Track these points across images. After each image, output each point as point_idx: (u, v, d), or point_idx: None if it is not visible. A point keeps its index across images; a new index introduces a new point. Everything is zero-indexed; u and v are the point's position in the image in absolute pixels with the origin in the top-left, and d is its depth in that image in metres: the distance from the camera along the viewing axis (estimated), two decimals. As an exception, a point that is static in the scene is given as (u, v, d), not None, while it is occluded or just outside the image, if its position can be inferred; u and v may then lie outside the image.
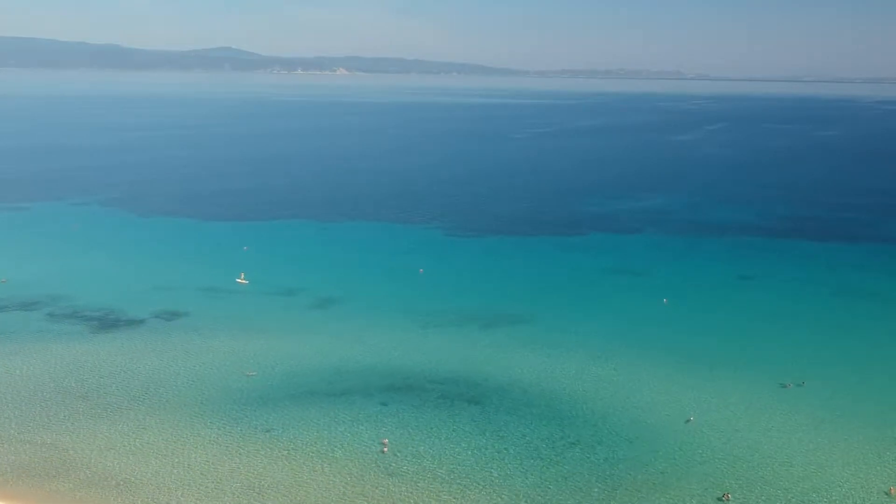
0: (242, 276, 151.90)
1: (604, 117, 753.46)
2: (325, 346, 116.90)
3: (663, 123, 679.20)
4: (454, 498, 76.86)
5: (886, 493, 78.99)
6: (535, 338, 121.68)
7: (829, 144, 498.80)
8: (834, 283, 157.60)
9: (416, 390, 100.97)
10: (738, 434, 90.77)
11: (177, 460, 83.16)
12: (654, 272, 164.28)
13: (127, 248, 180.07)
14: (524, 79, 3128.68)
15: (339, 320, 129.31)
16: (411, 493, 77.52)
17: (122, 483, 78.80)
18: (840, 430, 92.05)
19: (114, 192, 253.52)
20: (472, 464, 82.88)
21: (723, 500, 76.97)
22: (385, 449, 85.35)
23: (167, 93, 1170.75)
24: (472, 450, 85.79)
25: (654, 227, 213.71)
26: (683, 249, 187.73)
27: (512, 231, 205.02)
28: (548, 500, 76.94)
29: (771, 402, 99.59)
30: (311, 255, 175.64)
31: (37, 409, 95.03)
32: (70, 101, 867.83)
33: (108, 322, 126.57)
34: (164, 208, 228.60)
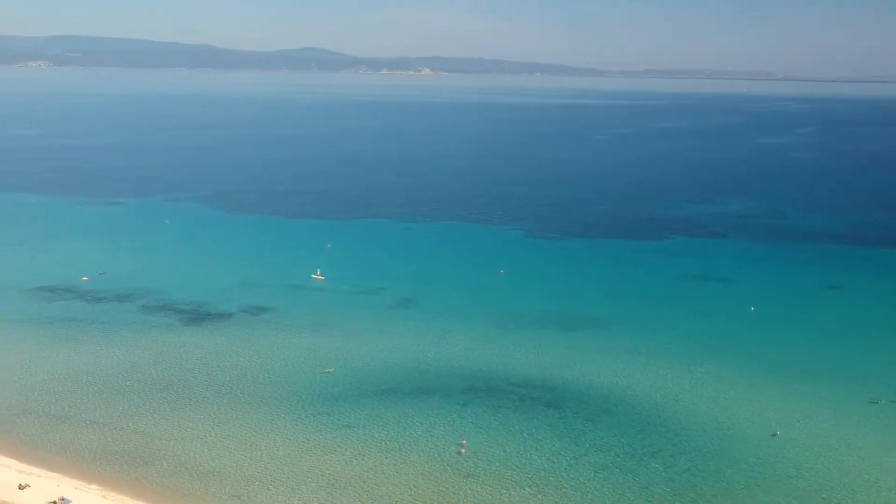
0: (318, 273, 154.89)
1: (687, 119, 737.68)
2: (405, 345, 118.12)
3: (749, 125, 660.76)
4: None
5: None
6: (616, 343, 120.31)
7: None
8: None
9: (496, 392, 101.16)
10: (826, 451, 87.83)
11: (259, 453, 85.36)
12: (739, 279, 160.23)
13: (215, 243, 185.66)
14: (607, 79, 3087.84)
15: (419, 320, 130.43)
16: (487, 495, 77.68)
17: (207, 473, 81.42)
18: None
19: (203, 190, 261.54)
20: (550, 469, 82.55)
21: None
22: (463, 450, 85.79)
23: (255, 92, 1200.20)
24: (550, 455, 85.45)
25: (739, 232, 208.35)
26: (769, 256, 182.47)
27: (592, 234, 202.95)
28: (626, 508, 76.20)
29: (861, 419, 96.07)
30: (392, 255, 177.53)
31: (128, 397, 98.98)
32: (163, 101, 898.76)
33: (197, 315, 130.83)
34: (250, 206, 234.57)
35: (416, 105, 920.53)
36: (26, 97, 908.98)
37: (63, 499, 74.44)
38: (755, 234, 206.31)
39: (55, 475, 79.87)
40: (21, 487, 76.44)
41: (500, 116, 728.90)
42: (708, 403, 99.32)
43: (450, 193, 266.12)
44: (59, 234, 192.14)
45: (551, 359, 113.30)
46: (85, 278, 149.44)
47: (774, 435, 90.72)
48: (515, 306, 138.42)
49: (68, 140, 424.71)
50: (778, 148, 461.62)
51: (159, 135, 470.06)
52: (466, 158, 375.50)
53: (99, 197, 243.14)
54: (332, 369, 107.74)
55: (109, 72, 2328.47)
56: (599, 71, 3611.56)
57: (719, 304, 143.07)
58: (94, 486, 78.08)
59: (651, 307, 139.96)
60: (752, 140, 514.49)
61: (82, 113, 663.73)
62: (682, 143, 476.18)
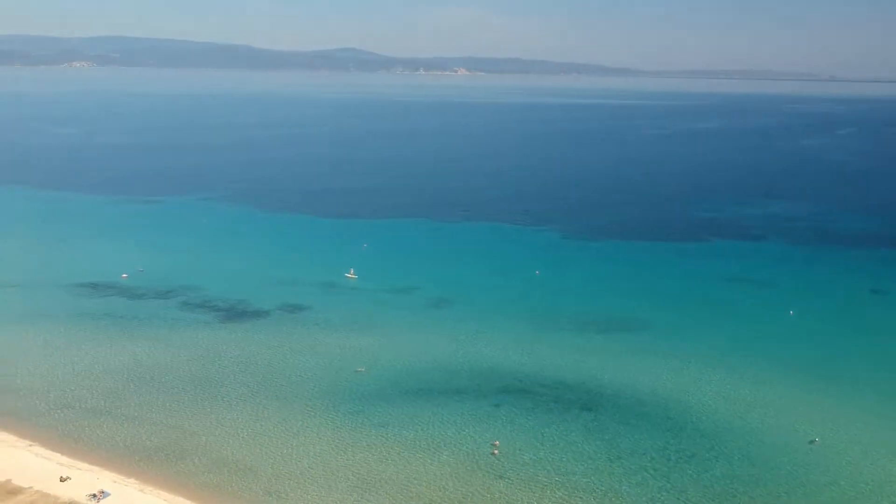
0: (352, 272, 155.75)
1: (725, 119, 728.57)
2: (438, 345, 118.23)
3: (789, 127, 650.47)
4: (565, 505, 76.55)
5: None
6: (652, 346, 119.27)
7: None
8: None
9: (529, 393, 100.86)
10: (865, 459, 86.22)
11: (293, 450, 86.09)
12: (778, 282, 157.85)
13: (252, 241, 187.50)
14: (644, 79, 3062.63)
15: (453, 320, 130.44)
16: (520, 497, 77.52)
17: (242, 469, 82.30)
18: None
19: (239, 188, 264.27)
20: (584, 472, 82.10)
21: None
22: (496, 451, 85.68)
23: (292, 92, 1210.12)
24: (584, 457, 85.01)
25: (779, 234, 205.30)
26: (810, 259, 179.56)
27: (629, 235, 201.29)
28: (661, 513, 75.58)
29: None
30: (426, 254, 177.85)
31: (166, 392, 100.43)
32: (203, 100, 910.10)
33: (234, 313, 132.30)
34: (286, 205, 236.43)
35: (451, 105, 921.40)
36: (69, 96, 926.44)
37: (102, 491, 75.73)
38: (795, 236, 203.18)
39: (95, 468, 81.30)
40: (62, 480, 77.94)
41: (536, 117, 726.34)
42: (745, 408, 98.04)
43: (485, 194, 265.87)
44: (99, 231, 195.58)
45: (586, 361, 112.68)
46: (124, 275, 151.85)
47: (812, 442, 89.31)
48: (550, 307, 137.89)
49: (109, 139, 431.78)
50: (819, 149, 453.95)
51: (198, 134, 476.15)
52: (501, 159, 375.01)
53: (138, 195, 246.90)
54: (364, 368, 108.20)
55: (150, 72, 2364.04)
56: (636, 71, 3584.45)
57: (758, 307, 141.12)
58: (132, 480, 79.32)
59: (688, 310, 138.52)
60: (793, 141, 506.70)
61: (122, 112, 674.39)
62: (719, 144, 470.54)
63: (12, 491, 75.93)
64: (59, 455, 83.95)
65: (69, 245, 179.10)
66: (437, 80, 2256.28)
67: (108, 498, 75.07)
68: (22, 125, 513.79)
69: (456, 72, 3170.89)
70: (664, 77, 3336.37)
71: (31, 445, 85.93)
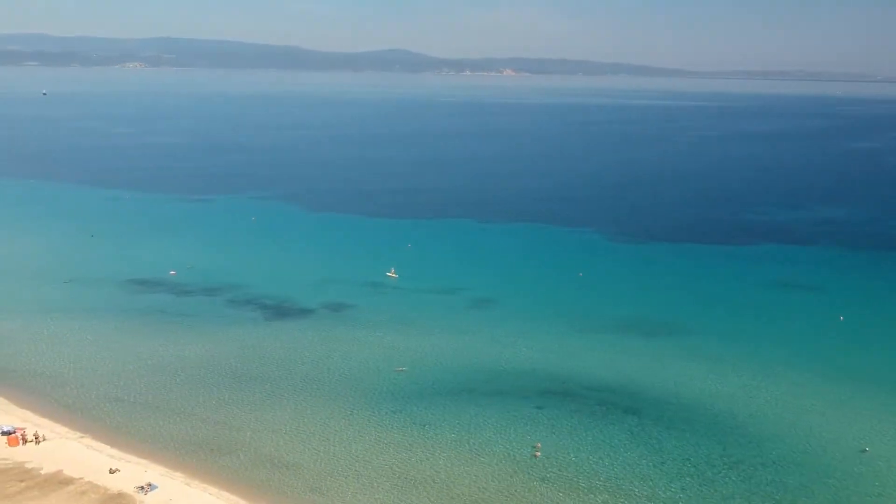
0: (393, 271, 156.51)
1: (777, 121, 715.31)
2: (480, 345, 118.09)
3: (843, 129, 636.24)
4: (607, 509, 75.96)
5: None
6: (698, 350, 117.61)
7: None
8: None
9: (572, 396, 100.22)
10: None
11: (335, 448, 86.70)
12: (828, 287, 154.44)
13: (298, 240, 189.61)
14: (692, 80, 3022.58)
15: (495, 320, 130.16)
16: (562, 500, 77.01)
17: (285, 465, 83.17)
18: None
19: (288, 188, 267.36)
20: (627, 476, 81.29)
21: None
22: (538, 453, 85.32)
23: (339, 93, 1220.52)
24: (628, 462, 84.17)
25: (829, 239, 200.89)
26: (861, 265, 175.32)
27: (674, 238, 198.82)
28: (705, 520, 74.54)
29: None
30: (470, 255, 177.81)
31: (212, 388, 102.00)
32: (252, 101, 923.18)
33: (280, 311, 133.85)
34: (332, 204, 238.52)
35: (497, 106, 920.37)
36: (122, 97, 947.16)
37: (150, 484, 77.18)
38: (846, 241, 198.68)
39: (143, 461, 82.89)
40: (111, 472, 79.59)
41: (581, 118, 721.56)
42: (792, 415, 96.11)
43: (529, 195, 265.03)
44: (150, 228, 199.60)
45: (630, 364, 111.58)
46: (172, 272, 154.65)
47: (863, 451, 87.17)
48: (594, 309, 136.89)
49: (161, 138, 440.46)
50: (872, 152, 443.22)
51: (247, 133, 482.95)
52: (547, 160, 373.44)
53: (188, 193, 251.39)
54: (405, 368, 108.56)
55: (201, 73, 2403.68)
56: (685, 72, 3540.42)
57: (806, 312, 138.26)
58: (178, 474, 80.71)
59: (734, 314, 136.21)
60: (845, 144, 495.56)
61: (174, 112, 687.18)
62: (770, 147, 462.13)
63: (63, 481, 77.84)
64: (108, 447, 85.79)
65: (121, 242, 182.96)
66: (482, 81, 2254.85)
67: (156, 491, 76.46)
68: (78, 124, 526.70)
69: (502, 72, 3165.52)
70: (714, 78, 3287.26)
71: (81, 437, 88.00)
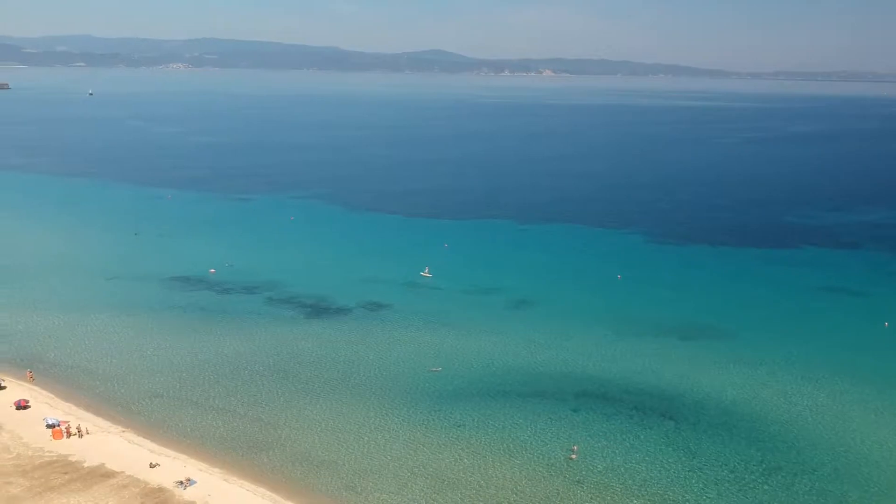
0: (427, 270, 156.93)
1: (822, 123, 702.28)
2: (516, 346, 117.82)
3: (889, 130, 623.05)
4: (642, 513, 75.39)
5: None
6: (737, 355, 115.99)
7: None
8: None
9: (609, 399, 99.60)
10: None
11: (371, 446, 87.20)
12: (873, 292, 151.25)
13: (337, 239, 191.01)
14: (735, 81, 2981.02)
15: (531, 322, 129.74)
16: (597, 503, 76.81)
17: (321, 463, 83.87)
18: None
19: (327, 187, 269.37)
20: (664, 481, 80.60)
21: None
22: (574, 455, 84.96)
23: (378, 93, 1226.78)
24: (664, 466, 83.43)
25: (875, 243, 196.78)
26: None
27: (715, 240, 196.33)
28: (743, 527, 73.59)
29: None
30: (506, 256, 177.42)
31: (250, 385, 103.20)
32: (293, 101, 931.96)
33: (318, 309, 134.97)
34: (370, 204, 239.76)
35: (535, 107, 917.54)
36: (166, 96, 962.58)
37: (189, 479, 78.36)
38: (893, 245, 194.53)
39: (182, 456, 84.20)
40: (152, 466, 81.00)
41: (620, 119, 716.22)
42: (834, 422, 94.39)
43: (567, 196, 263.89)
44: (191, 226, 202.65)
45: (668, 368, 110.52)
46: (212, 270, 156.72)
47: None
48: (632, 313, 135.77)
49: (202, 138, 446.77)
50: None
51: (288, 133, 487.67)
52: (585, 161, 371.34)
53: (229, 192, 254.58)
54: (439, 368, 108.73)
55: (243, 73, 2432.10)
56: (726, 72, 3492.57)
57: (850, 318, 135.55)
58: (216, 470, 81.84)
59: (776, 319, 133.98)
60: (893, 146, 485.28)
61: (216, 112, 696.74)
62: (814, 149, 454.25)
63: (105, 475, 79.39)
64: (149, 442, 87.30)
65: (163, 239, 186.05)
66: (521, 82, 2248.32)
67: (195, 486, 77.61)
68: (123, 124, 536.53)
69: (541, 73, 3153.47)
70: (758, 78, 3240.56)
71: (123, 431, 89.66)
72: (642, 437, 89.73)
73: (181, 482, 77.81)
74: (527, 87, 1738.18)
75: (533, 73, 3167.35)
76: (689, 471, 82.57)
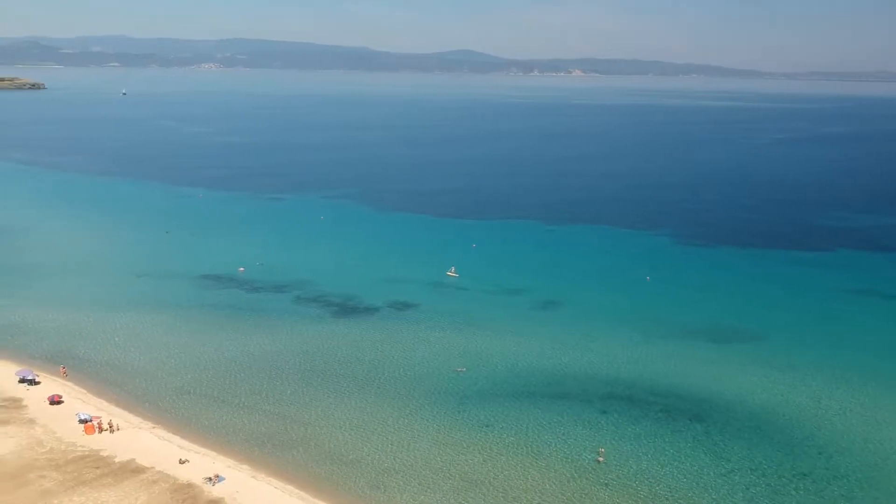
0: (453, 270, 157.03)
1: (854, 124, 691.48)
2: (543, 347, 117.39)
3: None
4: (670, 517, 74.82)
5: None
6: (767, 358, 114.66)
7: None
8: None
9: (637, 401, 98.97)
10: None
11: (396, 446, 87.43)
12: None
13: (365, 239, 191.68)
14: (769, 81, 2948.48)
15: (558, 323, 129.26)
16: (625, 506, 76.42)
17: (348, 461, 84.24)
18: None
19: (356, 187, 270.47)
20: (692, 484, 79.91)
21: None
22: (601, 458, 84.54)
23: (406, 94, 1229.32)
24: (693, 469, 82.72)
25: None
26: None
27: (746, 242, 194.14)
28: (772, 532, 72.76)
29: None
30: (533, 256, 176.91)
31: (277, 383, 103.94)
32: (322, 101, 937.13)
33: (346, 308, 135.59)
34: (397, 203, 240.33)
35: (563, 107, 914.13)
36: (198, 97, 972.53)
37: (217, 476, 79.10)
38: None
39: (211, 453, 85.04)
40: (181, 462, 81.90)
41: (649, 119, 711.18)
42: (867, 428, 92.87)
43: (595, 196, 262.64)
44: (220, 225, 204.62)
45: (697, 370, 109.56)
46: (241, 268, 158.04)
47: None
48: (661, 314, 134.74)
49: (232, 137, 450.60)
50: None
51: (317, 133, 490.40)
52: (614, 161, 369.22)
53: (259, 192, 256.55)
54: (464, 369, 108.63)
55: (273, 73, 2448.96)
56: (759, 72, 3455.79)
57: (882, 321, 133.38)
58: (245, 466, 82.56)
59: (808, 322, 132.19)
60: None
61: (246, 112, 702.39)
62: (848, 150, 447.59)
63: (136, 470, 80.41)
64: (178, 438, 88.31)
65: (194, 238, 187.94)
66: (550, 82, 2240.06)
67: (223, 482, 78.33)
68: (155, 124, 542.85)
69: (570, 73, 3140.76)
70: (791, 79, 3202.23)
71: (154, 428, 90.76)
72: (670, 439, 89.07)
73: (210, 478, 78.55)
74: (555, 87, 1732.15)
75: (562, 73, 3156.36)
76: (717, 475, 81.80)
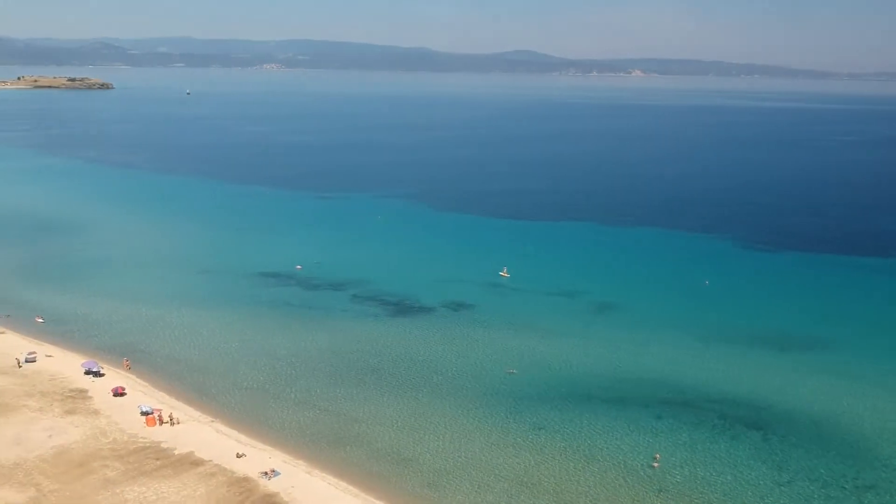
0: (505, 270, 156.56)
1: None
2: (598, 350, 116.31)
3: None
4: (726, 526, 73.45)
5: None
6: (830, 366, 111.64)
7: None
8: None
9: (694, 407, 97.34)
10: None
11: (451, 445, 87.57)
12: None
13: (421, 239, 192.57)
14: (832, 81, 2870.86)
15: (613, 326, 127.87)
16: (680, 513, 75.27)
17: (402, 460, 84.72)
18: None
19: (414, 187, 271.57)
20: (749, 494, 78.21)
21: None
22: (656, 464, 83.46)
23: (466, 94, 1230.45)
24: (750, 479, 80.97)
25: None
26: None
27: (809, 247, 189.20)
28: (833, 545, 70.92)
29: None
30: (588, 258, 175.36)
31: (333, 380, 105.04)
32: (381, 101, 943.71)
33: (402, 307, 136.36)
34: (456, 204, 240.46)
35: (622, 107, 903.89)
36: (260, 96, 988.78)
37: (273, 470, 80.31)
38: None
39: (267, 448, 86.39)
40: (238, 456, 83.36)
41: (711, 120, 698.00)
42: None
43: (652, 198, 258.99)
44: (279, 224, 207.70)
45: (757, 378, 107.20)
46: (299, 266, 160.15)
47: None
48: (720, 320, 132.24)
49: (292, 137, 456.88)
50: None
51: (377, 133, 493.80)
52: (671, 162, 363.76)
53: (317, 191, 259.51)
54: (515, 370, 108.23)
55: (333, 73, 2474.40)
56: (824, 73, 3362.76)
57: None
58: (300, 462, 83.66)
59: (875, 331, 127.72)
60: None
61: (306, 112, 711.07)
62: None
63: (194, 462, 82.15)
64: (236, 432, 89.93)
65: (253, 236, 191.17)
66: (609, 82, 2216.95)
67: (279, 477, 79.48)
68: (217, 123, 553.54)
69: (630, 73, 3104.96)
70: (854, 79, 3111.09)
71: (212, 422, 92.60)
72: (728, 447, 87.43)
73: (266, 473, 79.78)
74: (614, 88, 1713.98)
75: (622, 74, 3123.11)
76: (775, 484, 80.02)
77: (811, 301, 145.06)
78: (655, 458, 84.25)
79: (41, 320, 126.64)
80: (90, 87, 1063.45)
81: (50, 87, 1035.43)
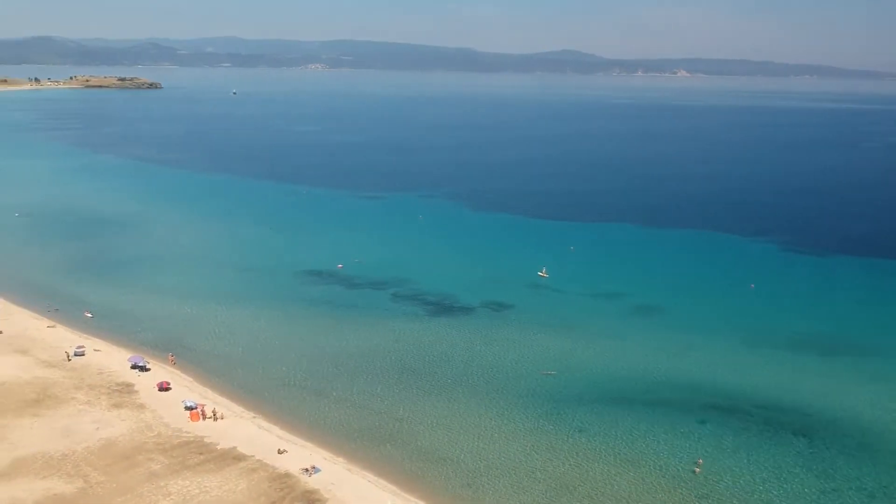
0: (544, 271, 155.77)
1: None
2: (639, 353, 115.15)
3: None
4: (769, 534, 72.22)
5: None
6: (881, 373, 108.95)
7: None
8: None
9: (738, 413, 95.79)
10: None
11: (490, 446, 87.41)
12: None
13: (462, 239, 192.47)
14: (884, 81, 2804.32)
15: (656, 329, 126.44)
16: (722, 519, 74.16)
17: (441, 459, 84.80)
18: None
19: (455, 187, 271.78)
20: (792, 501, 76.83)
21: None
22: (698, 469, 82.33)
23: (510, 94, 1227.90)
24: (794, 487, 79.46)
25: None
26: None
27: (856, 251, 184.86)
28: (880, 556, 69.31)
29: None
30: (630, 260, 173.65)
31: (373, 378, 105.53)
32: (425, 101, 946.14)
33: (442, 307, 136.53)
34: (497, 204, 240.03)
35: (669, 108, 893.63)
36: (305, 96, 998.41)
37: (314, 467, 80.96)
38: None
39: (308, 444, 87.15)
40: (280, 452, 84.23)
41: (756, 121, 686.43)
42: None
43: (696, 200, 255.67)
44: (322, 222, 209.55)
45: (804, 383, 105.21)
46: (340, 265, 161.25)
47: None
48: (766, 324, 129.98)
49: (336, 136, 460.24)
50: None
51: (420, 133, 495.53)
52: (716, 164, 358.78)
53: (361, 190, 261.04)
54: (554, 371, 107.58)
55: (377, 73, 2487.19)
56: (877, 73, 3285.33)
57: None
58: (340, 459, 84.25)
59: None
60: None
61: (352, 112, 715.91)
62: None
63: (237, 457, 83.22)
64: (277, 429, 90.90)
65: (295, 234, 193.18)
66: (654, 82, 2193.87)
67: (319, 474, 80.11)
68: (262, 122, 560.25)
69: (675, 73, 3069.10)
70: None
71: (255, 418, 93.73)
72: (772, 453, 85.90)
73: (306, 469, 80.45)
74: (659, 88, 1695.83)
75: (667, 74, 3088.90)
76: (820, 492, 78.46)
77: (859, 306, 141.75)
78: (697, 464, 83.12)
79: (90, 315, 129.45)
80: (139, 86, 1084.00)
81: (101, 86, 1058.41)
